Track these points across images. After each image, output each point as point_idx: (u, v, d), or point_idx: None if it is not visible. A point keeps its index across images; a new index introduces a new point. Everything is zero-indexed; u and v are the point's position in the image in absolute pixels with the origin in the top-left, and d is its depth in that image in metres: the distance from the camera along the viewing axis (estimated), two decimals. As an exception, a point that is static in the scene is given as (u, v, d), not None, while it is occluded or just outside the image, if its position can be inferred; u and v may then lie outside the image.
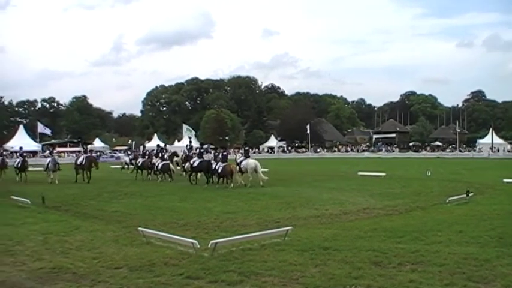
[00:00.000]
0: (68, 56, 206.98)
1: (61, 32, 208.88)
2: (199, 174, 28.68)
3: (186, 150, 36.03)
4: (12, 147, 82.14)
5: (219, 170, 26.31)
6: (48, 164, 31.26)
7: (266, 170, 37.24)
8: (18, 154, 36.94)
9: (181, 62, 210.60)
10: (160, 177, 30.96)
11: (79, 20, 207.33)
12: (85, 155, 31.85)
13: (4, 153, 38.03)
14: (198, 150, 32.64)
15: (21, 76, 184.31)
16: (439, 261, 8.87)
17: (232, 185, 25.65)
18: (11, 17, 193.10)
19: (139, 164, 33.98)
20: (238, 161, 27.87)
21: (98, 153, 62.31)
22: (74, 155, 37.06)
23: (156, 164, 31.52)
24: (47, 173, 31.24)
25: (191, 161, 29.55)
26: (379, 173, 31.32)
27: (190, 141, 37.09)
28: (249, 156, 28.33)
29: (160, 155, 32.34)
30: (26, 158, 34.81)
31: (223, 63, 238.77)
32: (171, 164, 31.54)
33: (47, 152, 34.80)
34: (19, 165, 32.33)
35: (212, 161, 27.92)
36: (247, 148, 31.68)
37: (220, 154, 28.26)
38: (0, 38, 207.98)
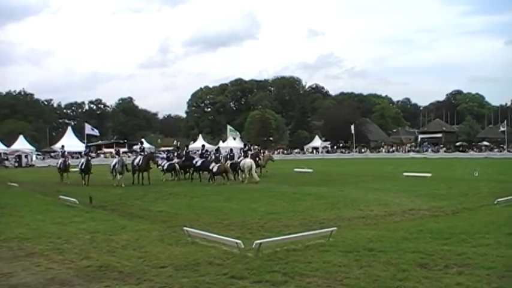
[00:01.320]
0: (115, 59, 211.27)
1: (109, 35, 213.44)
2: (201, 173, 31.87)
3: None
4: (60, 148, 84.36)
5: (214, 170, 29.51)
6: (114, 166, 29.20)
7: (310, 170, 37.25)
8: (82, 154, 35.47)
9: (226, 63, 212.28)
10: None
11: (127, 23, 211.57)
12: (142, 155, 30.48)
13: (66, 154, 35.56)
14: (200, 151, 34.29)
15: (70, 79, 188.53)
16: (487, 264, 8.61)
17: (229, 182, 28.72)
18: (61, 21, 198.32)
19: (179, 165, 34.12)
20: (239, 160, 31.38)
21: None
22: (130, 155, 36.28)
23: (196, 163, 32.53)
24: (112, 175, 29.54)
25: (194, 161, 32.60)
26: (424, 174, 30.73)
27: (203, 145, 37.80)
28: (247, 156, 31.28)
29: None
30: (90, 158, 32.93)
31: (268, 64, 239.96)
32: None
33: (113, 152, 34.05)
34: (83, 166, 30.34)
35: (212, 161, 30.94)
36: (245, 149, 33.92)
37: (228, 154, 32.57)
38: (49, 42, 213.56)
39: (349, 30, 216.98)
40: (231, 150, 34.17)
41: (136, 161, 29.98)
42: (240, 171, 30.52)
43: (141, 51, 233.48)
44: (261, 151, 36.24)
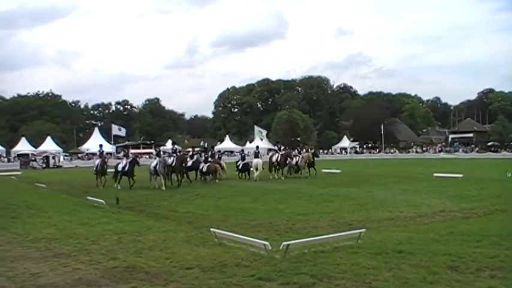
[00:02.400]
0: (142, 60, 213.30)
1: (137, 36, 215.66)
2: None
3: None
4: (87, 149, 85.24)
5: (204, 169, 31.54)
6: (155, 167, 27.76)
7: (338, 171, 37.11)
8: (122, 155, 33.24)
9: (254, 63, 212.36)
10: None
11: (155, 24, 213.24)
12: (174, 157, 29.77)
13: (105, 154, 33.45)
14: (191, 152, 35.34)
15: (97, 80, 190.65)
16: (521, 268, 8.49)
17: (217, 180, 31.33)
18: (89, 23, 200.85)
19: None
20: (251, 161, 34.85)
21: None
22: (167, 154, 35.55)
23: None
24: (152, 176, 28.33)
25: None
26: (455, 174, 30.37)
27: (205, 146, 38.89)
28: (258, 157, 34.37)
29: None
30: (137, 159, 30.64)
31: (296, 63, 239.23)
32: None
33: (154, 153, 32.64)
34: (126, 168, 28.47)
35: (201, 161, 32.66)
36: (243, 155, 37.12)
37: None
38: (77, 44, 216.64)
39: (377, 28, 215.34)
40: (242, 151, 37.95)
41: (170, 161, 29.26)
42: (252, 170, 33.40)
43: (169, 52, 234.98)
44: (300, 151, 35.96)
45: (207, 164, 31.73)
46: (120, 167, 28.74)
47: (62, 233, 12.99)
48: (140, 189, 26.34)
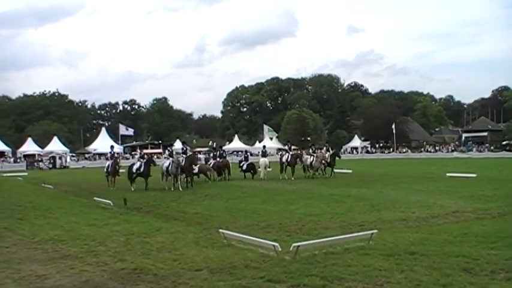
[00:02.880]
0: (150, 59, 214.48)
1: (145, 35, 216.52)
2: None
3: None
4: (95, 150, 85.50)
5: (195, 171, 30.91)
6: (168, 167, 27.28)
7: (349, 171, 37.05)
8: (138, 157, 31.70)
9: (263, 62, 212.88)
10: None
11: (163, 22, 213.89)
12: (184, 157, 29.17)
13: (116, 155, 32.51)
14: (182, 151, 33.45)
15: (104, 80, 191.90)
16: (537, 270, 8.44)
17: (209, 182, 31.95)
18: (96, 22, 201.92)
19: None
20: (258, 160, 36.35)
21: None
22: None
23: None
24: (164, 177, 27.88)
25: None
26: (469, 174, 30.29)
27: (213, 146, 39.14)
28: (265, 156, 35.97)
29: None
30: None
31: (307, 62, 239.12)
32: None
33: (167, 153, 31.02)
34: (141, 169, 28.08)
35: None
36: (246, 155, 38.01)
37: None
38: (84, 43, 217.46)
39: (389, 26, 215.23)
40: (246, 151, 39.14)
41: (166, 164, 28.02)
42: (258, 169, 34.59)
43: (177, 51, 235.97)
44: (315, 151, 35.87)
45: (197, 165, 31.98)
46: (135, 168, 28.48)
47: (69, 235, 13.05)
48: (149, 190, 26.41)
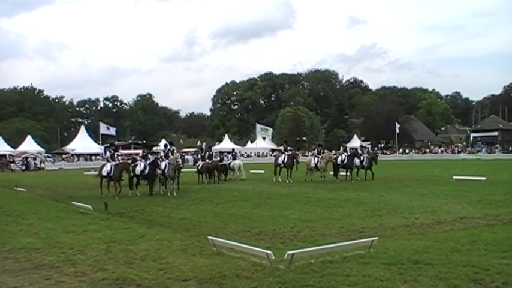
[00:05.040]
0: (136, 52, 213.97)
1: (130, 26, 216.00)
2: None
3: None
4: (73, 150, 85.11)
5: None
6: (164, 170, 26.75)
7: (349, 174, 37.05)
8: (140, 155, 29.48)
9: (258, 56, 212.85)
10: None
11: (151, 13, 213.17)
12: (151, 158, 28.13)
13: (118, 157, 29.27)
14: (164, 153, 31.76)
15: (85, 74, 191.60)
16: (552, 280, 8.46)
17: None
18: (77, 11, 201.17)
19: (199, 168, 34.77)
20: (227, 162, 38.44)
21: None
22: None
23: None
24: (161, 181, 27.73)
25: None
26: (478, 177, 30.32)
27: (202, 146, 39.81)
28: (235, 159, 39.38)
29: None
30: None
31: (304, 56, 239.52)
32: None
33: (162, 154, 29.37)
34: (146, 171, 26.96)
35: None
36: (234, 153, 41.20)
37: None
38: (64, 34, 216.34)
39: (394, 17, 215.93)
40: (233, 150, 41.02)
41: (163, 165, 27.25)
42: (230, 171, 37.73)
43: (165, 44, 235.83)
44: (321, 151, 35.76)
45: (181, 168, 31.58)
46: (138, 170, 26.96)
47: (44, 242, 12.96)
48: (131, 195, 26.19)
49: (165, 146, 30.37)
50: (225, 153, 40.06)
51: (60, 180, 41.26)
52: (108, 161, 27.43)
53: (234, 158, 39.65)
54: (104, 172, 26.51)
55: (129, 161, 29.29)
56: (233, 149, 43.35)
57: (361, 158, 34.43)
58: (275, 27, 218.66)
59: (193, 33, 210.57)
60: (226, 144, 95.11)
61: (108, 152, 29.29)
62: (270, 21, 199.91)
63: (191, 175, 35.27)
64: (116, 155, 28.32)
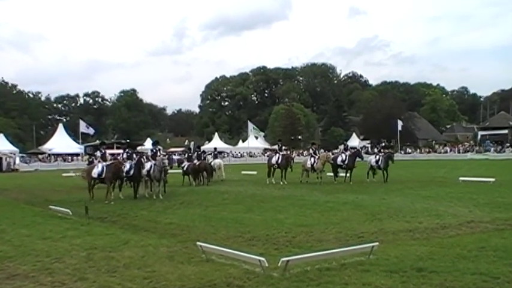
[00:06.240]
0: (119, 44, 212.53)
1: (115, 16, 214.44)
2: None
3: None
4: (50, 149, 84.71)
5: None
6: (149, 171, 26.64)
7: (348, 175, 37.12)
8: (125, 156, 28.98)
9: (250, 49, 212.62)
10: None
11: (137, 2, 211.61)
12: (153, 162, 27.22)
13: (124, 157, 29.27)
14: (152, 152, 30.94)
15: (64, 67, 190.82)
16: None
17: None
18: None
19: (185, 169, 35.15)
20: (210, 161, 37.66)
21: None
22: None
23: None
24: (146, 183, 27.38)
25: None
26: (486, 179, 30.43)
27: (190, 146, 40.50)
28: (217, 158, 40.46)
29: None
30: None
31: (300, 49, 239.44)
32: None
33: (148, 154, 28.73)
34: (131, 172, 26.37)
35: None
36: (216, 152, 42.02)
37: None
38: (41, 24, 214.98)
39: (396, 8, 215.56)
40: (204, 151, 40.67)
41: (148, 167, 26.93)
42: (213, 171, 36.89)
43: (152, 36, 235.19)
44: (318, 151, 35.76)
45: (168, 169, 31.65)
46: (123, 171, 26.11)
47: (18, 250, 12.90)
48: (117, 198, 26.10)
49: (153, 144, 30.24)
50: (209, 153, 39.86)
51: (36, 182, 41.13)
52: (99, 161, 26.90)
53: (215, 157, 40.07)
54: (95, 174, 25.69)
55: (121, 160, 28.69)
56: (215, 148, 43.68)
57: (377, 157, 34.12)
58: (270, 18, 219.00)
59: (182, 25, 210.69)
60: (216, 143, 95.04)
61: (98, 152, 28.76)
62: (265, 12, 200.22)
63: (179, 176, 35.28)
64: (106, 155, 28.12)
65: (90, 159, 35.09)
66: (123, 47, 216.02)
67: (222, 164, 40.00)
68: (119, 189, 26.46)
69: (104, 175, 25.32)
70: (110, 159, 28.44)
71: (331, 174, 34.50)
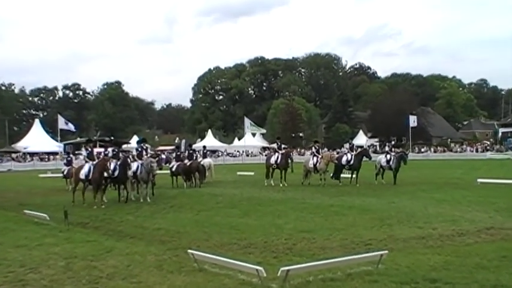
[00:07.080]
0: (103, 33, 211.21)
1: (98, 1, 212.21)
2: None
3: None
4: (25, 148, 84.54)
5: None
6: (135, 172, 26.55)
7: (354, 176, 37.14)
8: (110, 155, 27.57)
9: (248, 37, 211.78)
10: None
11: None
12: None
13: (130, 155, 29.91)
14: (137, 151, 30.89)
15: (41, 57, 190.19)
16: None
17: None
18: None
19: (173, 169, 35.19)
20: (199, 160, 37.40)
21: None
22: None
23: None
24: (133, 185, 27.30)
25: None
26: (508, 180, 30.48)
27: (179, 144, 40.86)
28: (206, 157, 40.55)
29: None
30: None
31: (302, 38, 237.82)
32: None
33: (134, 153, 29.52)
34: (116, 173, 25.60)
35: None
36: (205, 151, 42.31)
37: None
38: (13, 9, 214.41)
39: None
40: (194, 150, 39.56)
41: (134, 168, 27.02)
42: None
43: (139, 23, 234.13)
44: (321, 150, 35.71)
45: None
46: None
47: (-11, 259, 12.87)
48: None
49: (138, 142, 30.21)
50: (197, 150, 39.83)
51: (9, 183, 41.08)
52: (86, 161, 26.70)
53: (204, 157, 40.28)
54: (82, 175, 25.41)
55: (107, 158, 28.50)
56: (204, 146, 43.59)
57: (388, 156, 33.97)
58: (269, 3, 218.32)
59: (174, 10, 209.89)
60: (210, 141, 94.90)
61: (84, 150, 28.77)
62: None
63: (168, 178, 35.26)
64: (94, 153, 27.83)
65: (69, 159, 34.84)
66: (107, 35, 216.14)
67: (212, 164, 40.29)
68: (103, 191, 25.91)
69: (91, 176, 24.93)
70: (120, 156, 28.00)
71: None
